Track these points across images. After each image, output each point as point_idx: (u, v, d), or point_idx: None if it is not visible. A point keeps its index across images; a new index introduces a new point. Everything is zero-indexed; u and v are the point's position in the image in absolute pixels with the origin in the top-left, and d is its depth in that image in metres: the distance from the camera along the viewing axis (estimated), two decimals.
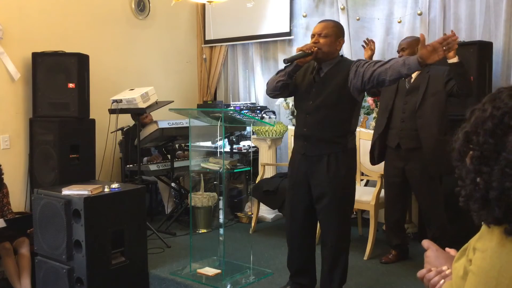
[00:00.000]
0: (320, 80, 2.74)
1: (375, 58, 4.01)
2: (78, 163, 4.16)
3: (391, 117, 3.44)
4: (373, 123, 4.39)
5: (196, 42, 6.07)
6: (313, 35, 2.74)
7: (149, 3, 5.42)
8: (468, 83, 3.16)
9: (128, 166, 4.57)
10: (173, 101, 4.57)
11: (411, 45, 3.41)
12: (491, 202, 0.99)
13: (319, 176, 2.74)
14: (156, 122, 4.48)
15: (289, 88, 2.81)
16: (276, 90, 2.81)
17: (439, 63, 3.28)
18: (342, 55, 2.84)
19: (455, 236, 3.14)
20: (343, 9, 4.89)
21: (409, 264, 3.53)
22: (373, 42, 3.73)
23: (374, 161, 3.60)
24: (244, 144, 5.09)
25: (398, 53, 3.51)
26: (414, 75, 3.38)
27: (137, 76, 5.26)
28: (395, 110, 3.41)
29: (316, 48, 2.65)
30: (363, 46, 3.77)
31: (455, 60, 3.13)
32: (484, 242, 1.01)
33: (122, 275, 3.04)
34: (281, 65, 5.01)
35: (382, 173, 3.71)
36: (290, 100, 4.65)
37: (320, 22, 2.81)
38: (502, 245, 0.98)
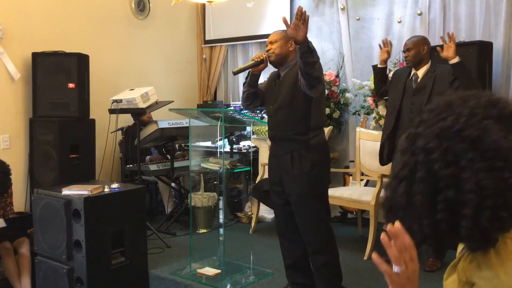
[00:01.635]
0: (279, 84, 2.89)
1: (375, 59, 4.03)
2: (78, 163, 4.16)
3: (399, 117, 3.44)
4: (373, 123, 4.39)
5: (196, 42, 6.07)
6: (266, 45, 2.93)
7: (149, 3, 5.42)
8: (472, 82, 3.15)
9: (128, 166, 4.57)
10: (173, 101, 4.57)
11: (416, 44, 3.40)
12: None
13: (286, 175, 2.85)
14: (156, 122, 4.48)
15: (258, 97, 3.01)
16: (244, 101, 3.06)
17: (442, 62, 3.29)
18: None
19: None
20: (343, 9, 4.89)
21: None
22: (391, 44, 3.73)
23: (383, 161, 3.61)
24: (244, 144, 5.09)
25: (404, 53, 3.50)
26: (420, 75, 3.38)
27: (137, 76, 5.26)
28: (403, 110, 3.41)
29: (265, 56, 2.87)
30: (380, 46, 3.75)
31: (455, 60, 3.14)
32: (484, 271, 0.97)
33: (122, 275, 3.04)
34: None
35: (382, 173, 3.71)
36: None
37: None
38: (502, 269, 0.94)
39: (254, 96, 3.00)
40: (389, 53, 3.71)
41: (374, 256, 1.02)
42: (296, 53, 2.59)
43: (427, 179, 0.97)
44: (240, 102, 5.47)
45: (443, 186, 0.95)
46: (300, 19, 2.43)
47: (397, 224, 0.98)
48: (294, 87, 2.77)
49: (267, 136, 3.08)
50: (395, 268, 0.99)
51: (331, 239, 2.88)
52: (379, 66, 3.74)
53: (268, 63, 2.90)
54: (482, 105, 0.98)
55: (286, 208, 2.92)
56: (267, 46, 2.91)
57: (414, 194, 0.99)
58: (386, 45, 3.71)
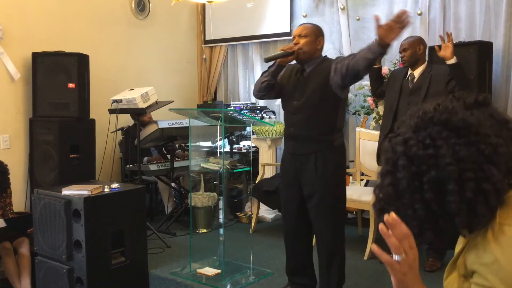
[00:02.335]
0: (303, 80, 2.80)
1: None
2: (78, 163, 4.16)
3: (396, 117, 3.44)
4: (373, 123, 4.39)
5: (196, 42, 6.07)
6: (293, 37, 2.82)
7: (149, 3, 5.42)
8: (468, 82, 3.17)
9: (128, 166, 4.58)
10: (173, 101, 4.57)
11: (412, 45, 3.41)
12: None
13: (307, 175, 2.77)
14: (156, 122, 4.48)
15: (274, 89, 2.87)
16: (261, 91, 2.88)
17: (441, 63, 3.30)
18: (325, 56, 2.89)
19: (455, 236, 3.14)
20: (343, 9, 4.89)
21: None
22: None
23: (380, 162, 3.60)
24: (244, 144, 5.09)
25: (400, 53, 3.50)
26: (416, 75, 3.39)
27: (137, 76, 5.26)
28: (400, 110, 3.42)
29: (296, 48, 2.73)
30: None
31: (452, 61, 3.15)
32: (484, 257, 1.00)
33: (122, 275, 3.04)
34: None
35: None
36: None
37: (300, 25, 2.90)
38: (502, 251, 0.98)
39: (272, 87, 2.86)
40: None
41: (374, 247, 1.03)
42: (365, 52, 2.48)
43: (408, 164, 1.02)
44: (242, 101, 5.55)
45: (425, 169, 1.00)
46: (400, 22, 2.34)
47: (393, 214, 1.01)
48: (324, 86, 2.70)
49: (285, 133, 2.93)
50: (396, 257, 1.01)
51: (344, 240, 2.90)
52: (374, 66, 3.75)
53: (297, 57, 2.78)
54: (448, 100, 1.09)
55: (299, 210, 2.86)
56: (294, 38, 2.79)
57: (399, 182, 1.04)
58: None
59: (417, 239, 1.06)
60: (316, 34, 2.79)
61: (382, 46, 2.41)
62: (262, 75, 2.90)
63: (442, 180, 0.99)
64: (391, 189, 1.06)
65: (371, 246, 0.94)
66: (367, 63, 2.52)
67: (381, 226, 1.02)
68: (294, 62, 2.85)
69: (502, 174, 0.99)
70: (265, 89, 2.86)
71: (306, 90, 2.76)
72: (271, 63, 2.86)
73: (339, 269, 2.84)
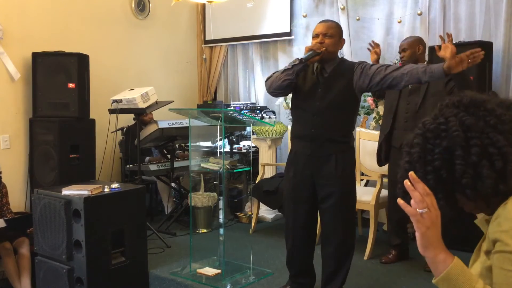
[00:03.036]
0: (325, 80, 2.75)
1: None
2: (78, 163, 4.16)
3: (396, 117, 3.45)
4: (373, 123, 4.39)
5: (196, 42, 6.07)
6: (317, 35, 2.73)
7: (149, 3, 5.42)
8: (468, 83, 3.16)
9: (128, 166, 4.57)
10: (173, 101, 4.57)
11: (412, 45, 3.41)
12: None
13: (327, 176, 2.75)
14: (156, 122, 4.48)
15: (292, 87, 2.79)
16: (281, 88, 2.77)
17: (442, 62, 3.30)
18: (342, 56, 2.90)
19: (456, 236, 3.14)
20: (343, 9, 4.89)
21: (409, 264, 3.53)
22: (378, 45, 3.74)
23: (381, 162, 3.61)
24: (244, 144, 5.09)
25: (400, 53, 3.50)
26: None
27: (137, 76, 5.26)
28: (399, 110, 3.43)
29: (324, 48, 2.68)
30: (368, 49, 3.78)
31: None
32: (504, 225, 1.06)
33: (122, 275, 3.04)
34: (282, 65, 5.04)
35: (382, 173, 3.71)
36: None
37: (321, 22, 2.82)
38: None
39: (292, 85, 2.77)
40: (377, 54, 3.72)
41: (400, 200, 1.10)
42: (422, 73, 2.49)
43: (423, 142, 1.15)
44: (242, 101, 5.54)
45: (438, 142, 1.11)
46: (471, 58, 2.40)
47: (412, 174, 1.09)
48: (348, 89, 2.70)
49: (299, 133, 2.84)
50: (420, 210, 1.08)
51: (355, 241, 2.91)
52: None
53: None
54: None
55: (311, 212, 2.85)
56: (318, 36, 2.72)
57: (413, 156, 1.15)
58: (374, 46, 3.73)
59: None
60: (340, 34, 2.78)
61: (446, 75, 2.46)
62: (283, 72, 2.75)
63: (451, 148, 1.09)
64: (407, 165, 1.16)
65: (398, 200, 1.05)
66: (416, 82, 2.56)
67: (406, 182, 1.09)
68: None
69: (510, 143, 1.07)
70: (286, 87, 2.76)
71: (330, 91, 2.72)
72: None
73: (346, 270, 2.85)
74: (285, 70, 2.75)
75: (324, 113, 2.72)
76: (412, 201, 1.09)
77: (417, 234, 1.10)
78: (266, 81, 2.89)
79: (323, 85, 2.75)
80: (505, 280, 1.03)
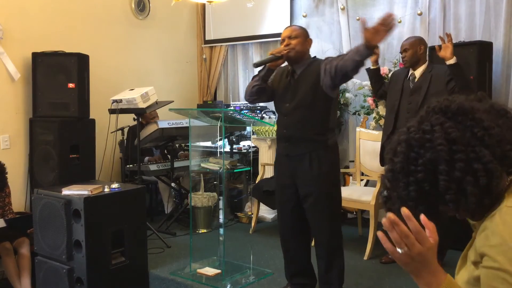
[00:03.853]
0: (295, 81, 2.82)
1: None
2: (78, 163, 4.16)
3: (398, 117, 3.45)
4: (373, 123, 4.39)
5: (196, 42, 6.07)
6: (282, 40, 2.84)
7: (149, 3, 5.42)
8: (468, 82, 3.18)
9: (128, 166, 4.57)
10: (173, 101, 4.57)
11: (413, 45, 3.41)
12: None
13: (303, 175, 2.79)
14: (156, 122, 4.48)
15: (265, 92, 2.90)
16: (252, 95, 2.90)
17: (442, 63, 3.30)
18: (314, 56, 2.90)
19: (456, 236, 3.14)
20: (343, 9, 4.89)
21: None
22: (377, 46, 3.74)
23: (383, 162, 3.60)
24: (244, 144, 5.09)
25: (401, 54, 3.51)
26: (417, 75, 3.40)
27: (137, 76, 5.26)
28: (401, 110, 3.43)
29: (285, 51, 2.76)
30: None
31: (452, 61, 3.16)
32: (491, 240, 1.03)
33: (122, 275, 3.03)
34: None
35: (382, 173, 3.71)
36: None
37: (286, 28, 2.94)
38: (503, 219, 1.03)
39: (263, 91, 2.89)
40: (376, 54, 3.72)
41: (380, 234, 1.07)
42: (353, 54, 2.53)
43: (406, 150, 1.10)
44: (242, 101, 5.55)
45: (422, 152, 1.07)
46: (386, 25, 2.38)
47: (391, 214, 1.04)
48: (315, 87, 2.73)
49: (277, 135, 2.95)
50: (398, 249, 1.05)
51: (342, 239, 2.90)
52: (371, 68, 3.77)
53: (285, 60, 2.82)
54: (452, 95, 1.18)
55: (296, 211, 2.87)
56: (284, 41, 2.82)
57: (395, 166, 1.11)
58: None
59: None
60: (304, 35, 2.83)
61: (368, 48, 2.45)
62: (252, 79, 2.92)
63: (435, 161, 1.05)
64: (390, 175, 1.13)
65: (376, 233, 1.02)
66: (355, 64, 2.56)
67: (384, 220, 1.05)
68: (284, 64, 2.88)
69: (497, 157, 1.04)
70: (256, 93, 2.89)
71: (298, 92, 2.79)
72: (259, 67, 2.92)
73: (338, 269, 2.84)
74: (254, 76, 2.90)
75: (294, 113, 2.79)
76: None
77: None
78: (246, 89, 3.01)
79: (292, 86, 2.82)
80: None
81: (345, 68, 2.59)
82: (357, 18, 4.81)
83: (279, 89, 2.89)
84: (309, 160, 2.76)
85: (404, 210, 1.03)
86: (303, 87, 2.77)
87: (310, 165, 2.76)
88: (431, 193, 1.07)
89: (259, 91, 2.87)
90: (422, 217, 1.05)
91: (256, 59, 5.63)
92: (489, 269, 1.02)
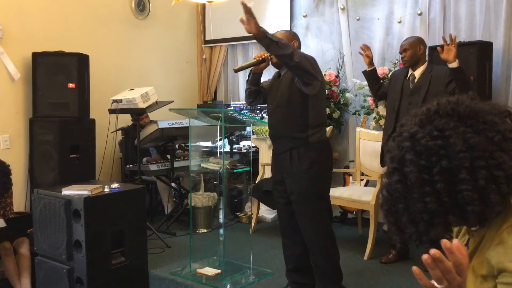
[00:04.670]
0: (278, 83, 2.91)
1: (374, 59, 4.03)
2: (78, 163, 4.16)
3: (398, 118, 3.45)
4: (373, 123, 4.39)
5: (196, 42, 6.07)
6: None
7: (149, 3, 5.42)
8: (468, 85, 3.17)
9: (128, 166, 4.57)
10: (173, 101, 4.57)
11: (413, 45, 3.41)
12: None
13: (286, 173, 2.86)
14: (156, 122, 4.48)
15: (260, 95, 3.03)
16: (247, 98, 3.05)
17: (441, 63, 3.30)
18: None
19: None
20: (343, 9, 4.89)
21: (409, 264, 3.51)
22: (369, 48, 3.75)
23: (384, 163, 3.61)
24: (244, 144, 5.09)
25: (401, 54, 3.50)
26: (417, 75, 3.39)
27: (137, 76, 5.25)
28: (401, 111, 3.42)
29: (266, 55, 2.83)
30: (360, 53, 3.79)
31: (455, 65, 3.14)
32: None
33: (122, 275, 3.04)
34: None
35: (382, 173, 3.71)
36: None
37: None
38: None
39: (257, 93, 3.01)
40: (369, 57, 3.73)
41: (415, 269, 0.98)
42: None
43: (416, 158, 1.01)
44: (242, 101, 5.54)
45: (435, 160, 0.99)
46: (245, 12, 2.46)
47: (445, 242, 0.94)
48: (291, 85, 2.79)
49: (268, 135, 3.08)
50: (437, 285, 0.98)
51: (331, 239, 2.87)
52: (367, 70, 3.77)
53: (270, 63, 2.89)
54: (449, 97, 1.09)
55: (288, 208, 2.91)
56: None
57: (408, 177, 1.01)
58: (365, 50, 3.73)
59: (422, 237, 1.04)
60: (288, 38, 2.83)
61: (256, 38, 2.57)
62: (246, 82, 3.05)
63: (454, 170, 0.98)
64: (399, 186, 1.04)
65: (412, 268, 0.93)
66: (276, 57, 2.67)
67: (425, 258, 0.95)
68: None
69: None
70: (249, 96, 3.02)
71: (278, 92, 2.87)
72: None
73: (328, 268, 2.84)
74: (247, 81, 3.04)
75: (275, 112, 2.90)
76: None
77: None
78: None
79: (276, 87, 2.91)
80: None
81: (289, 59, 2.58)
82: (357, 18, 4.82)
83: (270, 91, 2.99)
84: (290, 158, 2.81)
85: (446, 243, 0.93)
86: (283, 87, 2.85)
87: (290, 163, 2.81)
88: (449, 203, 0.99)
89: (251, 94, 3.02)
90: (455, 241, 0.94)
91: None
92: (509, 285, 0.96)
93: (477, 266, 1.07)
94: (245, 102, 3.16)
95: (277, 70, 2.98)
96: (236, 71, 3.00)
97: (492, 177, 0.96)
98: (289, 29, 5.21)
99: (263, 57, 2.85)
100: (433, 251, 0.94)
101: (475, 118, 1.00)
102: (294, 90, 2.77)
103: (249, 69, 3.01)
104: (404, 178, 1.03)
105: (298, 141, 2.79)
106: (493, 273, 1.01)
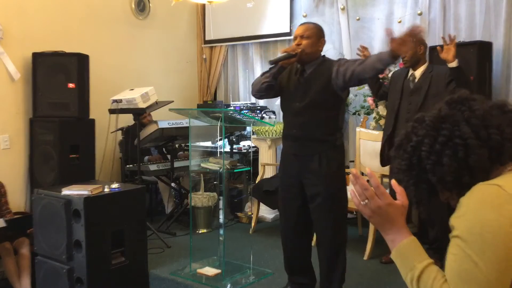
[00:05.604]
0: (305, 81, 2.79)
1: None
2: (78, 163, 4.16)
3: (398, 118, 3.45)
4: (373, 123, 4.39)
5: (196, 42, 6.07)
6: (295, 38, 2.79)
7: (149, 3, 5.42)
8: (468, 86, 3.17)
9: (128, 166, 4.57)
10: (173, 101, 4.57)
11: (413, 45, 3.41)
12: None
13: (311, 175, 2.77)
14: (156, 122, 4.48)
15: (273, 89, 2.85)
16: (261, 91, 2.86)
17: (441, 63, 3.30)
18: (324, 55, 2.87)
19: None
20: (343, 9, 4.89)
21: None
22: (366, 48, 3.76)
23: (384, 162, 3.61)
24: (244, 144, 5.09)
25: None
26: (417, 75, 3.40)
27: (137, 76, 5.26)
28: (401, 110, 3.43)
29: (299, 50, 2.71)
30: (358, 54, 3.79)
31: (454, 64, 3.15)
32: (459, 211, 1.09)
33: (122, 275, 3.03)
34: None
35: (382, 173, 3.71)
36: None
37: (300, 24, 2.87)
38: (480, 205, 1.06)
39: (272, 88, 2.84)
40: (366, 57, 3.72)
41: (353, 170, 1.24)
42: (375, 61, 2.54)
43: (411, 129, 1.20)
44: (242, 101, 5.55)
45: (415, 131, 1.18)
46: (413, 36, 2.40)
47: (367, 170, 1.21)
48: (326, 88, 2.71)
49: (284, 134, 2.91)
50: (362, 202, 1.23)
51: (346, 240, 2.90)
52: None
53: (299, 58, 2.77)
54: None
55: (300, 211, 2.86)
56: (296, 39, 2.77)
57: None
58: (363, 51, 3.73)
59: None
60: (318, 35, 2.78)
61: (393, 58, 2.46)
62: (262, 75, 2.87)
63: (423, 137, 1.16)
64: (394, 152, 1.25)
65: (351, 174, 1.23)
66: (375, 72, 2.60)
67: (349, 177, 1.15)
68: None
69: (482, 138, 1.10)
70: (265, 90, 2.83)
71: (309, 91, 2.76)
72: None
73: (341, 269, 2.84)
74: (264, 73, 2.84)
75: (304, 113, 2.77)
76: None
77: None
78: (252, 84, 2.96)
79: (302, 85, 2.79)
80: (449, 264, 1.08)
81: (363, 74, 2.59)
82: (357, 18, 4.82)
83: (288, 87, 2.85)
84: (319, 161, 2.75)
85: (368, 171, 1.20)
86: (314, 87, 2.75)
87: (319, 165, 2.74)
88: (417, 165, 1.16)
89: (268, 88, 2.82)
90: (393, 181, 1.21)
91: (256, 59, 5.64)
92: (452, 238, 1.08)
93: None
94: (253, 96, 2.98)
95: (291, 67, 2.85)
96: (272, 63, 2.78)
97: (452, 145, 1.12)
98: (289, 29, 5.23)
99: (297, 51, 2.71)
100: (353, 170, 1.22)
101: (462, 103, 1.17)
102: (331, 93, 2.72)
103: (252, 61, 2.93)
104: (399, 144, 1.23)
105: (328, 144, 2.76)
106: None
